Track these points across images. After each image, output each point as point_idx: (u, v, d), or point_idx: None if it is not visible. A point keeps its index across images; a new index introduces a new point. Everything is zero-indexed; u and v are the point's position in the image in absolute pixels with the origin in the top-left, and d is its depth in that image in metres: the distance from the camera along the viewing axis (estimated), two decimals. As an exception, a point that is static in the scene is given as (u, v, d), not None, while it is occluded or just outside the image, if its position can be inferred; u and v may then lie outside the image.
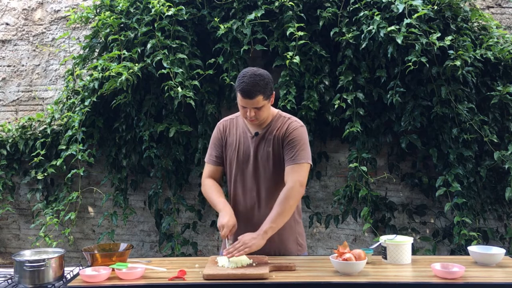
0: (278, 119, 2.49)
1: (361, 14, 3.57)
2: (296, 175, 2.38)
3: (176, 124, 3.73)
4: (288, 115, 2.53)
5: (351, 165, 3.62)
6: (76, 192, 3.89)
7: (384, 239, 2.38)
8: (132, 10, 3.85)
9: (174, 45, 3.65)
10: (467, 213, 3.49)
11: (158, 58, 3.58)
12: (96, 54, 4.03)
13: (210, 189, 2.55)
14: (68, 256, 4.23)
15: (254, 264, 2.23)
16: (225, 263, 2.22)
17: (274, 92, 2.42)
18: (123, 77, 3.49)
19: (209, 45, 3.84)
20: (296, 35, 3.54)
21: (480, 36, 3.68)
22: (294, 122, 2.48)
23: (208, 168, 2.62)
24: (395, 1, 3.51)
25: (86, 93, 3.82)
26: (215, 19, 3.66)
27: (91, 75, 3.76)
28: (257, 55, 3.87)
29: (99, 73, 3.68)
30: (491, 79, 3.66)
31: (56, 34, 4.46)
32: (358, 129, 3.56)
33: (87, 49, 4.01)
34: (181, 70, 3.59)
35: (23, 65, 4.51)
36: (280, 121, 2.48)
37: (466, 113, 3.50)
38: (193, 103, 3.55)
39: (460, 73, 3.41)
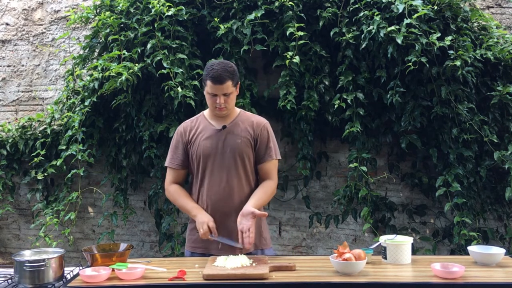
0: (243, 114, 2.65)
1: (361, 14, 3.57)
2: (272, 174, 2.61)
3: (176, 124, 3.72)
4: (250, 113, 2.71)
5: (351, 165, 3.62)
6: (76, 192, 3.89)
7: (384, 239, 2.38)
8: (132, 10, 3.85)
9: (174, 45, 3.65)
10: (467, 213, 3.49)
11: (158, 58, 3.58)
12: (96, 54, 4.03)
13: (178, 194, 2.64)
14: (68, 256, 4.23)
15: (254, 264, 2.23)
16: (224, 263, 2.22)
17: (239, 82, 2.58)
18: (123, 77, 3.49)
19: (209, 45, 3.84)
20: (296, 35, 3.54)
21: (480, 36, 3.68)
22: (259, 118, 2.68)
23: (170, 173, 2.69)
24: (395, 1, 3.51)
25: (86, 93, 3.82)
26: (215, 19, 3.66)
27: (91, 75, 3.76)
28: (257, 55, 3.87)
29: (99, 73, 3.68)
30: (491, 79, 3.66)
31: (56, 34, 4.46)
32: (358, 129, 3.56)
33: (87, 49, 4.01)
34: (181, 70, 3.59)
35: (23, 65, 4.51)
36: (244, 116, 2.64)
37: (466, 113, 3.50)
38: (193, 103, 3.55)
39: (460, 73, 3.41)
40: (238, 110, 2.66)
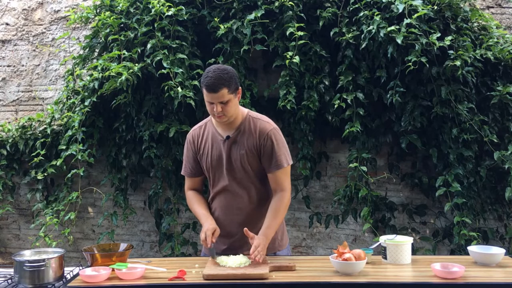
0: (248, 120, 2.48)
1: (361, 14, 3.57)
2: (283, 184, 2.46)
3: (176, 124, 3.72)
4: (258, 116, 2.52)
5: (351, 165, 3.62)
6: (76, 192, 3.89)
7: (384, 239, 2.38)
8: (132, 10, 3.85)
9: (174, 45, 3.65)
10: (467, 213, 3.49)
11: (158, 58, 3.58)
12: (96, 54, 4.03)
13: (192, 201, 2.60)
14: (68, 256, 4.23)
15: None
16: (226, 262, 2.23)
17: (240, 88, 2.43)
18: (123, 77, 3.49)
19: (209, 45, 3.84)
20: (296, 35, 3.54)
21: (480, 36, 3.68)
22: (265, 123, 2.48)
23: (187, 180, 2.66)
24: (395, 1, 3.51)
25: (86, 93, 3.82)
26: (215, 19, 3.66)
27: (91, 75, 3.76)
28: (257, 55, 3.87)
29: (99, 73, 3.68)
30: (491, 79, 3.66)
31: (56, 34, 4.46)
32: (358, 129, 3.56)
33: (87, 49, 4.01)
34: (181, 70, 3.59)
35: (23, 65, 4.51)
36: (251, 123, 2.47)
37: (466, 113, 3.49)
38: (193, 103, 3.55)
39: (460, 73, 3.41)
40: (245, 113, 2.50)
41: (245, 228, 2.36)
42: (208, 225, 2.41)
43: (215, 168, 2.50)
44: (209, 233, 2.36)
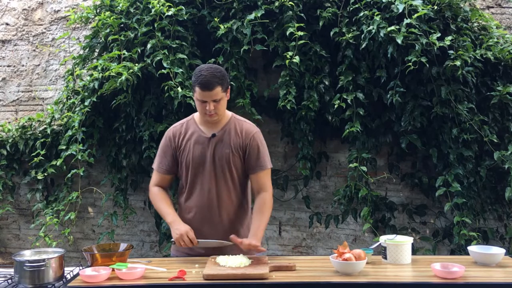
0: (233, 121, 2.55)
1: (361, 14, 3.57)
2: (266, 185, 2.53)
3: (176, 124, 3.72)
4: (242, 118, 2.61)
5: (351, 165, 3.62)
6: (76, 192, 3.89)
7: (384, 239, 2.38)
8: (132, 10, 3.85)
9: (174, 45, 3.65)
10: (467, 213, 3.49)
11: (158, 58, 3.58)
12: (96, 54, 4.03)
13: (157, 197, 2.58)
14: (68, 256, 4.23)
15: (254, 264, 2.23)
16: (226, 262, 2.23)
17: (229, 87, 2.49)
18: (123, 77, 3.49)
19: (209, 45, 3.84)
20: (296, 35, 3.54)
21: (480, 36, 3.68)
22: (250, 126, 2.57)
23: (156, 176, 2.62)
24: (395, 1, 3.51)
25: (86, 93, 3.82)
26: (215, 19, 3.66)
27: (91, 75, 3.76)
28: (257, 55, 3.87)
29: (99, 73, 3.68)
30: (491, 79, 3.66)
31: (56, 34, 4.46)
32: (358, 129, 3.56)
33: (87, 49, 4.01)
34: (181, 70, 3.59)
35: (23, 65, 4.51)
36: (236, 124, 2.54)
37: (466, 113, 3.49)
38: (193, 103, 3.55)
39: (460, 73, 3.41)
40: (229, 114, 2.57)
41: (232, 235, 2.38)
42: (182, 227, 2.41)
43: (196, 166, 2.49)
44: (191, 234, 2.38)
